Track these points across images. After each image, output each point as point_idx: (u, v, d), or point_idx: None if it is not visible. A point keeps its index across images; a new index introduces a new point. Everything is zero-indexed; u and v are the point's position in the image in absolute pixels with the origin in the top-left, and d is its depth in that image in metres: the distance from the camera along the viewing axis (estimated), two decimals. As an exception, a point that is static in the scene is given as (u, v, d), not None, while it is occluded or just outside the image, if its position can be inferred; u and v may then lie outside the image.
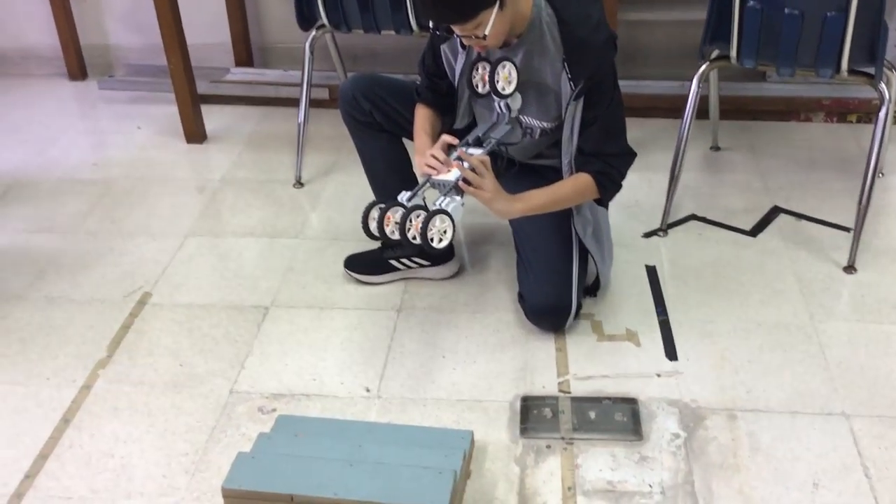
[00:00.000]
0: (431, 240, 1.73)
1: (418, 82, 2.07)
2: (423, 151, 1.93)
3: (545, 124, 1.94)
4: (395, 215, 1.76)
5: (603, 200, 1.97)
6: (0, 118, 3.25)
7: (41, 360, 2.04)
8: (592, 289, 2.13)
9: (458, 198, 1.80)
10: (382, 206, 1.77)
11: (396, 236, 1.75)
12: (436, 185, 1.82)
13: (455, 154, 1.83)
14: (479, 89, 1.89)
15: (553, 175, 1.96)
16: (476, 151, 1.85)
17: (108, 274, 2.34)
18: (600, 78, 1.82)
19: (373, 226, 1.78)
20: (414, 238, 1.72)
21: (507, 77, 1.84)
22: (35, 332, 2.13)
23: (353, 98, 2.07)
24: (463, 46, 1.92)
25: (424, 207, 1.76)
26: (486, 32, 1.71)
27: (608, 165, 1.90)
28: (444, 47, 1.96)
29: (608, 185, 1.92)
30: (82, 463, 1.77)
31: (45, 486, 1.71)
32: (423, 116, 2.03)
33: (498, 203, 1.83)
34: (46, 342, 2.10)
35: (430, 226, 1.72)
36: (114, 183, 2.79)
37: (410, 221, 1.73)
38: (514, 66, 1.82)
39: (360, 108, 2.07)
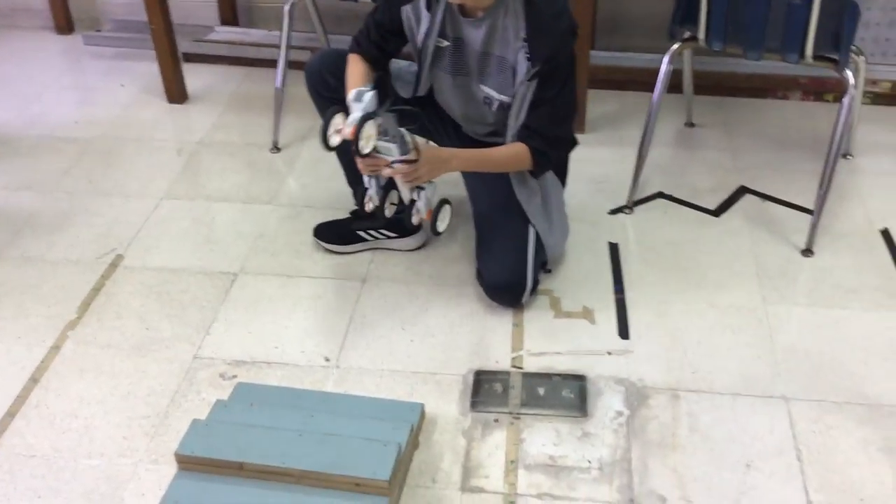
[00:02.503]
0: (438, 227, 1.97)
1: (360, 33, 2.06)
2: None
3: (504, 97, 1.97)
4: (373, 194, 1.92)
5: (535, 173, 2.02)
6: (-14, 71, 3.28)
7: (14, 319, 2.11)
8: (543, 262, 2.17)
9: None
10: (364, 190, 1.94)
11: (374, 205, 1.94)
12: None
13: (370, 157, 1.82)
14: (331, 142, 1.77)
15: None
16: (388, 146, 1.81)
17: (83, 235, 2.39)
18: (557, 62, 1.85)
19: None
20: (419, 223, 1.97)
21: (368, 135, 1.75)
22: (9, 291, 2.19)
23: (319, 74, 2.10)
24: (428, 8, 1.94)
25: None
26: None
27: (548, 146, 1.95)
28: (406, 9, 1.98)
29: (542, 162, 1.98)
30: (47, 422, 1.84)
31: (10, 444, 1.79)
32: (358, 74, 2.01)
33: (435, 173, 1.90)
34: (20, 301, 2.16)
35: (439, 215, 1.95)
36: (94, 142, 2.83)
37: (417, 210, 1.93)
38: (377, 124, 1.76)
39: (326, 85, 2.10)
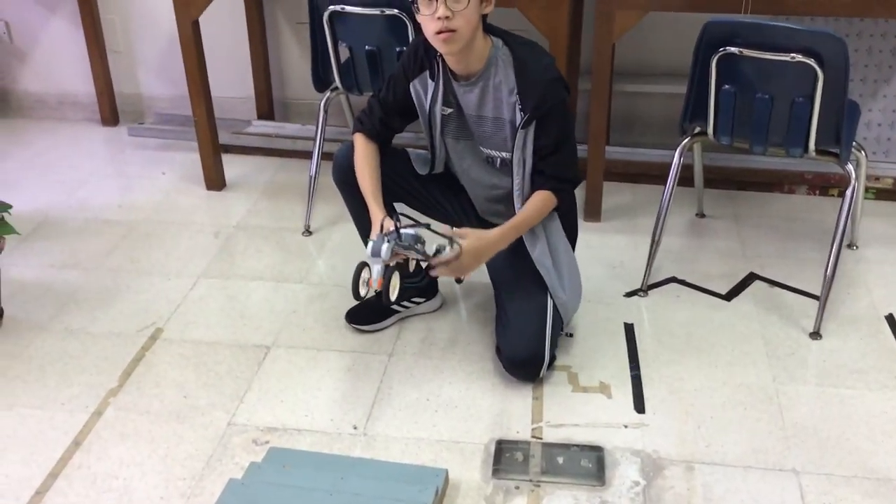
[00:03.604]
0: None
1: (364, 113, 2.24)
2: (377, 211, 2.12)
3: (504, 154, 2.15)
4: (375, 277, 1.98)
5: (560, 208, 2.18)
6: (36, 159, 3.49)
7: (57, 387, 2.22)
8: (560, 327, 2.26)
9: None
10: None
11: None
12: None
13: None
14: (361, 293, 2.01)
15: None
16: (416, 255, 2.02)
17: (125, 309, 2.52)
18: (548, 107, 2.04)
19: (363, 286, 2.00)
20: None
21: (394, 286, 2.01)
22: (54, 361, 2.31)
23: (347, 168, 2.24)
24: (432, 77, 2.12)
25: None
26: (468, 6, 1.92)
27: (564, 183, 2.15)
28: (414, 83, 2.16)
29: (563, 196, 2.16)
30: (89, 483, 1.93)
31: (53, 503, 1.87)
32: (368, 158, 2.20)
33: (483, 260, 2.09)
34: (63, 370, 2.28)
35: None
36: (136, 224, 3.00)
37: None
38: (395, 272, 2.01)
39: (353, 175, 2.23)
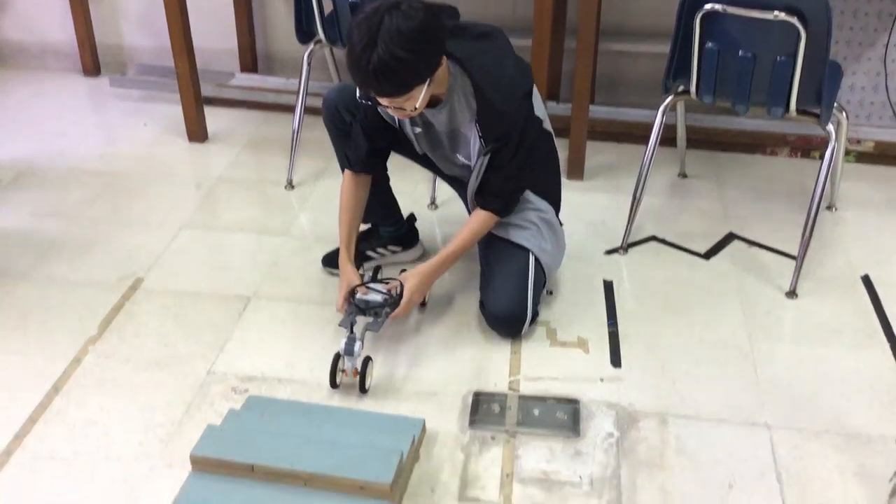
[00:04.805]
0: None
1: (350, 148, 2.22)
2: (346, 266, 2.18)
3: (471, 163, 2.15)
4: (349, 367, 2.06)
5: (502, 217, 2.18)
6: (16, 109, 3.45)
7: (38, 334, 2.22)
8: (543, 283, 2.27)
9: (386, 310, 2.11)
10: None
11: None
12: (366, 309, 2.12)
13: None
14: (337, 381, 2.05)
15: None
16: (376, 292, 2.13)
17: (106, 259, 2.52)
18: (507, 139, 2.02)
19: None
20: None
21: (370, 374, 2.05)
22: (34, 309, 2.31)
23: (336, 110, 2.25)
24: None
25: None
26: (417, 105, 1.90)
27: (506, 201, 2.14)
28: (381, 107, 2.11)
29: (505, 212, 2.16)
30: (67, 428, 1.94)
31: (32, 447, 1.89)
32: (351, 201, 2.23)
33: (426, 289, 2.19)
34: (44, 318, 2.28)
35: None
36: (117, 175, 2.98)
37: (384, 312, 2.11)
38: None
39: (341, 119, 2.24)
